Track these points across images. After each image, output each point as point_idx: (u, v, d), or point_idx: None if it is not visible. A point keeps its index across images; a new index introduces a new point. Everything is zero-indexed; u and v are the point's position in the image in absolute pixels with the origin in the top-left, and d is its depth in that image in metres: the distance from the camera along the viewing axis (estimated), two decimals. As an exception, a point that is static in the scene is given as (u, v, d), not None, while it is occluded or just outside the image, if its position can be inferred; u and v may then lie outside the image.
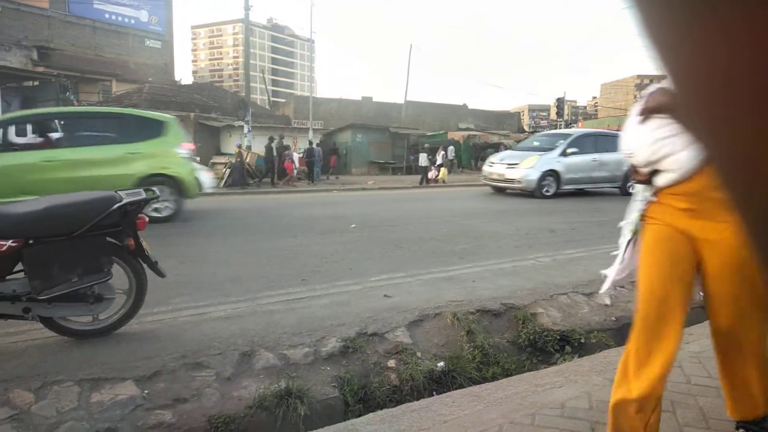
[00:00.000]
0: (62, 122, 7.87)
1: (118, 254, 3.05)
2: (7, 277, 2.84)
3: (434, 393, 2.96)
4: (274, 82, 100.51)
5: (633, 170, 1.93)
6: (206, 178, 8.52)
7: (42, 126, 7.92)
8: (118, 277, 3.09)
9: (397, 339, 3.31)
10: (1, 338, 3.07)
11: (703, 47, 0.28)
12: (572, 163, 12.17)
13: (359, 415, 2.63)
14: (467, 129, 32.95)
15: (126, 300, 3.16)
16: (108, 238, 2.99)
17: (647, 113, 1.78)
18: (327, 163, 23.10)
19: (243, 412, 2.57)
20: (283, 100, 45.82)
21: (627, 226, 2.04)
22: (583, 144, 12.66)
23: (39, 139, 7.73)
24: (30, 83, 24.20)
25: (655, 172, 1.83)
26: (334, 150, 24.93)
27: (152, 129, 7.86)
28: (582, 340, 3.58)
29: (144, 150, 7.65)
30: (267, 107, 38.77)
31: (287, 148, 20.58)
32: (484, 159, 21.18)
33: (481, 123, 36.26)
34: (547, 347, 3.52)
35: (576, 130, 14.59)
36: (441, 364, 3.15)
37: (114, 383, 2.59)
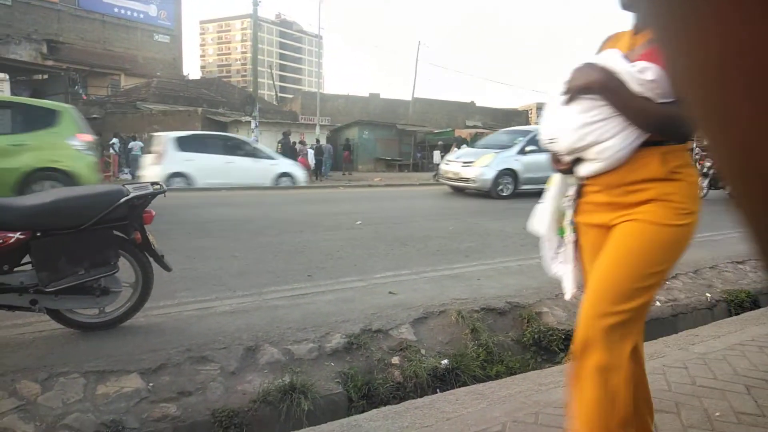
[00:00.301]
0: None
1: (125, 248, 3.07)
2: (15, 269, 2.87)
3: (438, 390, 2.96)
4: (282, 78, 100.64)
5: (553, 159, 1.70)
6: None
7: None
8: (125, 270, 3.11)
9: (402, 336, 3.31)
10: (9, 329, 3.10)
11: (697, 33, 0.28)
12: (531, 162, 11.38)
13: (362, 411, 2.63)
14: (475, 126, 32.87)
15: (132, 293, 3.18)
16: (115, 232, 3.01)
17: (573, 93, 1.53)
18: (338, 159, 23.19)
19: (247, 407, 2.58)
20: (291, 96, 45.87)
21: (560, 222, 1.85)
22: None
23: None
24: (39, 76, 24.36)
25: (578, 160, 1.60)
26: (347, 146, 24.93)
27: (43, 119, 7.10)
28: (587, 340, 3.57)
29: (31, 141, 6.88)
30: (274, 103, 38.83)
31: (303, 143, 20.82)
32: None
33: (489, 121, 36.17)
34: (551, 346, 3.51)
35: (537, 127, 14.18)
36: (445, 361, 3.15)
37: (119, 376, 2.61)
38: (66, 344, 2.94)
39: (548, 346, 3.52)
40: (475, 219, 8.20)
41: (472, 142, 28.22)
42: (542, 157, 11.65)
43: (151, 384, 2.60)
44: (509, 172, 11.46)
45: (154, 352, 2.83)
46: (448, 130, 30.01)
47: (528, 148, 11.66)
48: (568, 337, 3.57)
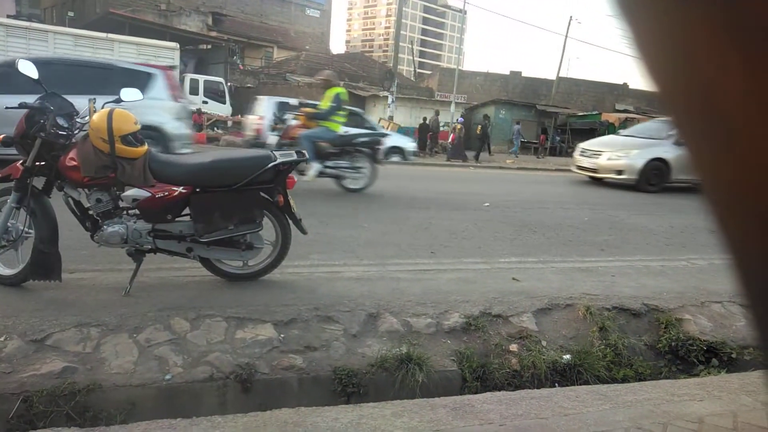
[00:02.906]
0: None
1: (269, 209, 3.33)
2: (176, 219, 3.25)
3: (557, 385, 2.85)
4: (422, 54, 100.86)
5: None
6: None
7: None
8: (267, 229, 3.38)
9: (522, 324, 3.23)
10: (167, 272, 3.54)
11: (682, 56, 0.26)
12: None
13: (476, 392, 2.63)
14: (625, 111, 30.27)
15: (272, 251, 3.45)
16: (261, 193, 3.27)
17: None
18: (470, 139, 22.89)
19: (365, 369, 2.70)
20: (429, 72, 45.90)
21: None
22: None
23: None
24: (204, 47, 26.88)
25: None
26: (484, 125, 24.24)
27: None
28: (733, 355, 3.20)
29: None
30: (412, 79, 39.13)
31: (458, 120, 21.26)
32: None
33: (643, 105, 33.09)
34: (690, 357, 3.20)
35: None
36: (567, 356, 3.02)
37: (256, 324, 2.87)
38: (212, 290, 3.30)
39: (686, 356, 3.21)
40: (615, 211, 7.64)
41: (620, 127, 26.15)
42: None
43: (282, 335, 2.82)
44: (660, 163, 10.41)
45: (287, 307, 3.07)
46: (594, 113, 28.02)
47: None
48: (710, 349, 3.23)
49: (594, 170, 11.00)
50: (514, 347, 3.06)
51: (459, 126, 19.35)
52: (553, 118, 26.85)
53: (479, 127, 20.68)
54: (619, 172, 10.50)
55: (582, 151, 11.73)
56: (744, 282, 0.31)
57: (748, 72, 0.23)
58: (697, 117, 0.27)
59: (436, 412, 2.20)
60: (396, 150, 13.51)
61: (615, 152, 10.79)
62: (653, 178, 10.38)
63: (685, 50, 0.26)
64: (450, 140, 19.40)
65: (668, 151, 10.33)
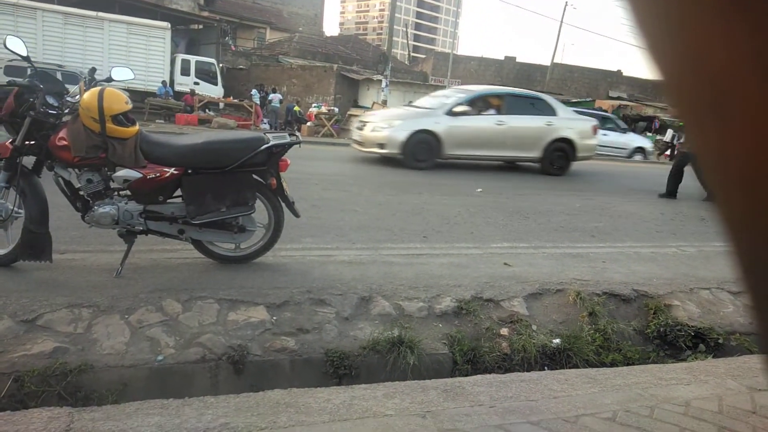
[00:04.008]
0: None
1: (262, 191, 3.31)
2: (168, 201, 3.23)
3: (546, 368, 2.89)
4: (416, 37, 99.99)
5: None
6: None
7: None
8: (260, 212, 3.37)
9: (513, 309, 3.26)
10: (159, 253, 3.53)
11: (685, 46, 0.26)
12: (461, 126, 8.96)
13: (467, 375, 2.66)
14: (618, 98, 30.29)
15: (264, 234, 3.45)
16: (254, 176, 3.26)
17: None
18: None
19: (357, 351, 2.72)
20: (423, 56, 45.54)
21: None
22: (488, 104, 9.57)
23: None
24: (195, 27, 26.47)
25: None
26: None
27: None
28: (720, 341, 3.26)
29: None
30: (406, 62, 38.85)
31: None
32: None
33: (636, 93, 33.11)
34: (677, 342, 3.25)
35: (484, 88, 10.80)
36: (557, 340, 3.05)
37: (248, 306, 2.87)
38: (205, 272, 3.29)
39: (674, 342, 3.26)
40: (606, 198, 7.68)
41: (614, 113, 26.19)
42: (479, 122, 9.23)
43: (274, 318, 2.83)
44: (427, 135, 8.86)
45: (279, 290, 3.07)
46: (587, 100, 28.00)
47: (459, 109, 9.12)
48: (698, 335, 3.28)
49: (360, 143, 9.51)
50: (504, 331, 3.09)
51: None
52: (547, 105, 26.81)
53: None
54: (381, 146, 9.01)
55: (358, 124, 10.20)
56: (747, 268, 0.31)
57: (759, 56, 0.23)
58: (706, 106, 0.27)
59: (427, 393, 2.22)
60: (639, 150, 15.38)
61: (378, 123, 9.29)
62: (420, 153, 8.87)
63: (694, 35, 0.25)
64: None
65: (439, 123, 8.91)
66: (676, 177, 8.31)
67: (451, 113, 9.11)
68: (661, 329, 3.29)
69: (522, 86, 28.83)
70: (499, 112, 9.51)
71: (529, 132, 9.58)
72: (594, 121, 10.58)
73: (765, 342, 0.32)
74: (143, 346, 2.51)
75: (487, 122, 9.34)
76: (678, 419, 2.13)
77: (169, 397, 2.07)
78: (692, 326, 3.31)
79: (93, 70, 3.34)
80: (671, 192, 8.30)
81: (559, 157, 9.79)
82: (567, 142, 9.72)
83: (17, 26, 13.34)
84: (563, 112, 10.20)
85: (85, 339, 2.48)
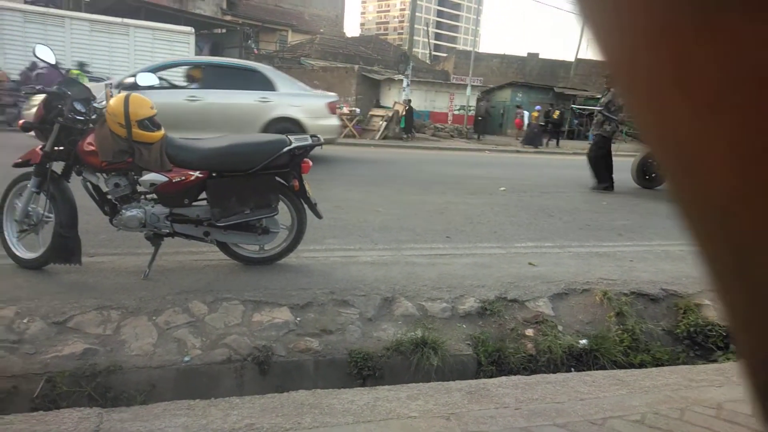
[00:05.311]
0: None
1: (284, 193, 3.34)
2: (193, 204, 3.28)
3: (572, 370, 2.84)
4: (437, 36, 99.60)
5: None
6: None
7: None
8: (283, 214, 3.39)
9: (539, 309, 3.21)
10: (185, 255, 3.58)
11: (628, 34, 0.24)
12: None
13: (491, 376, 2.63)
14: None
15: (288, 235, 3.47)
16: (277, 178, 3.28)
17: None
18: (494, 123, 23.14)
19: (380, 352, 2.72)
20: (444, 55, 45.34)
21: None
22: (190, 77, 8.44)
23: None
24: (218, 31, 26.83)
25: None
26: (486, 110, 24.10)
27: None
28: (755, 343, 3.16)
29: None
30: (427, 61, 38.75)
31: (519, 106, 21.65)
32: None
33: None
34: (708, 342, 3.16)
35: (178, 58, 9.33)
36: (584, 341, 3.00)
37: (272, 307, 2.90)
38: (230, 274, 3.33)
39: (704, 342, 3.18)
40: (634, 195, 7.53)
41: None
42: (163, 97, 7.03)
43: (298, 318, 2.85)
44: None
45: (303, 291, 3.09)
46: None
47: (144, 81, 6.79)
48: (729, 335, 3.19)
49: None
50: (529, 332, 3.05)
51: (536, 114, 19.77)
52: (571, 101, 26.40)
53: (556, 112, 20.91)
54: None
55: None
56: (712, 266, 0.29)
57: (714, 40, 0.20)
58: (663, 92, 0.24)
59: (451, 395, 2.20)
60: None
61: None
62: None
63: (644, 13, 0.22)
64: (526, 125, 20.35)
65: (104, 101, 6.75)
66: (607, 165, 7.96)
67: (120, 86, 7.28)
68: (691, 329, 3.21)
69: (546, 82, 28.45)
70: (200, 86, 7.99)
71: (235, 110, 7.88)
72: (331, 98, 8.72)
73: (739, 346, 0.30)
74: (170, 347, 2.55)
75: (175, 98, 7.63)
76: (710, 422, 2.07)
77: (195, 398, 2.10)
78: (723, 326, 3.22)
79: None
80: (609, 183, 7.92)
81: None
82: (293, 122, 8.03)
83: (47, 34, 13.71)
84: (286, 86, 8.41)
85: (113, 340, 2.53)
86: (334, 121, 8.55)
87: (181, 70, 9.17)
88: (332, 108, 8.55)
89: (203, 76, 8.07)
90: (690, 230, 0.28)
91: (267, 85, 8.12)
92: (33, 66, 11.12)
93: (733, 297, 0.28)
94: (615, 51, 0.26)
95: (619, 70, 0.26)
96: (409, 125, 17.70)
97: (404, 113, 17.57)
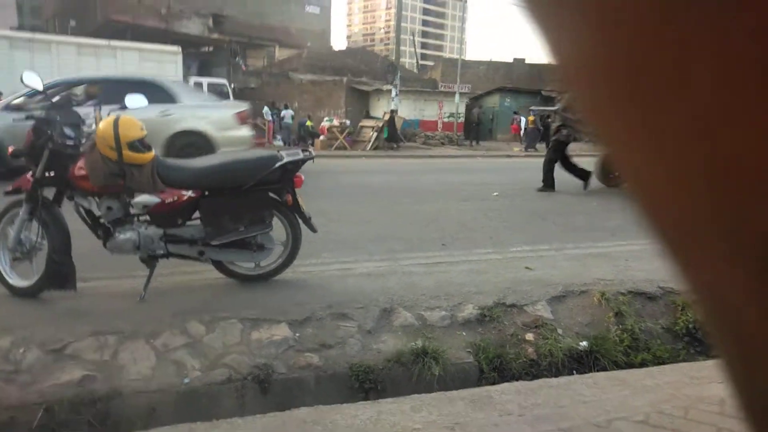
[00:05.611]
0: None
1: (278, 209, 3.33)
2: (187, 223, 3.27)
3: (574, 372, 2.84)
4: (423, 45, 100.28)
5: None
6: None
7: None
8: (277, 229, 3.38)
9: (537, 313, 3.21)
10: (181, 275, 3.56)
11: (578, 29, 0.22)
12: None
13: (493, 383, 2.62)
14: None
15: (283, 250, 3.46)
16: (270, 194, 3.28)
17: None
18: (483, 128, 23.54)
19: (381, 364, 2.70)
20: (431, 63, 45.64)
21: None
22: (88, 95, 8.06)
23: None
24: (206, 49, 26.90)
25: None
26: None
27: None
28: (754, 336, 3.17)
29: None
30: (415, 71, 38.99)
31: (516, 112, 22.10)
32: None
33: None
34: (708, 338, 3.17)
35: (77, 77, 8.79)
36: (584, 343, 3.00)
37: (271, 324, 2.88)
38: (226, 292, 3.31)
39: (704, 338, 3.18)
40: (624, 196, 7.57)
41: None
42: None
43: (297, 334, 2.83)
44: None
45: (301, 306, 3.07)
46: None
47: (21, 102, 7.25)
48: (730, 331, 3.19)
49: None
50: (530, 336, 3.05)
51: (532, 117, 20.31)
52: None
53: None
54: None
55: None
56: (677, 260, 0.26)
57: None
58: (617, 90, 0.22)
59: (454, 405, 2.19)
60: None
61: None
62: None
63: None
64: (522, 130, 21.14)
65: None
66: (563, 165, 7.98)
67: (11, 108, 7.18)
68: (690, 326, 3.21)
69: (534, 86, 28.66)
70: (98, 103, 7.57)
71: None
72: (239, 108, 8.35)
73: (713, 341, 0.28)
74: (169, 369, 2.52)
75: None
76: (714, 419, 2.07)
77: (197, 420, 2.08)
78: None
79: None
80: (550, 183, 7.93)
81: (190, 154, 6.19)
82: (198, 135, 7.68)
83: (33, 59, 13.70)
84: (189, 98, 8.17)
85: (112, 365, 2.50)
86: (244, 132, 8.08)
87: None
88: (242, 118, 8.12)
89: (101, 93, 7.59)
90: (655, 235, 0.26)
91: (168, 97, 7.72)
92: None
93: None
94: (565, 50, 0.24)
95: (570, 70, 0.24)
96: (392, 134, 17.72)
97: (386, 123, 17.61)
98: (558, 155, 7.99)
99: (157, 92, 7.39)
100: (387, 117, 18.00)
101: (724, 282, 0.23)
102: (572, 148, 8.20)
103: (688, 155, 0.20)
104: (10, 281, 3.15)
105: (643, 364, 2.91)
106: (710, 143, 0.19)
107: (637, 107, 0.21)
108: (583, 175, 8.03)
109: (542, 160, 8.38)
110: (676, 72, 0.19)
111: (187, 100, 7.95)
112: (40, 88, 3.10)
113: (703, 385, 2.39)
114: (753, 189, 0.19)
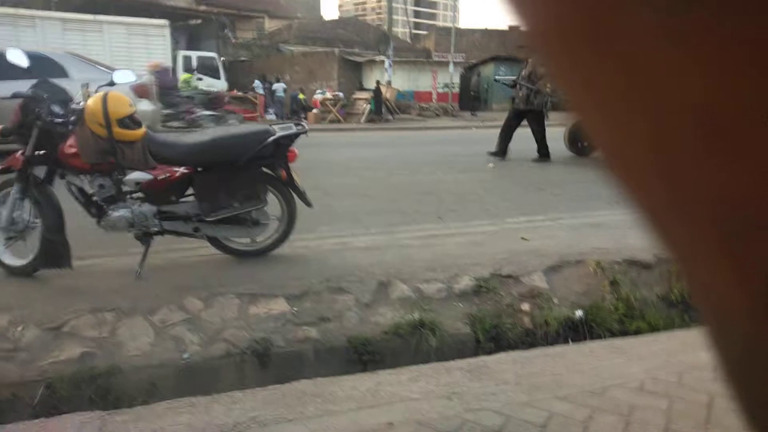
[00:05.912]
0: None
1: (272, 184, 3.31)
2: (181, 200, 3.24)
3: (570, 341, 2.87)
4: (416, 14, 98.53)
5: None
6: None
7: None
8: (272, 204, 3.37)
9: (533, 283, 3.23)
10: (177, 252, 3.55)
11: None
12: None
13: (490, 353, 2.65)
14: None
15: (279, 225, 3.45)
16: (263, 169, 3.25)
17: None
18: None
19: (379, 336, 2.73)
20: (425, 33, 44.94)
21: None
22: None
23: None
24: (194, 22, 26.31)
25: None
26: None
27: None
28: (747, 302, 3.21)
29: None
30: (408, 41, 38.39)
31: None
32: None
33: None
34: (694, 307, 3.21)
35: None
36: (579, 312, 3.03)
37: (268, 299, 2.89)
38: (223, 268, 3.31)
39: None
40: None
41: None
42: None
43: (295, 308, 2.84)
44: None
45: (298, 280, 3.08)
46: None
47: None
48: (724, 298, 3.23)
49: None
50: (525, 306, 3.07)
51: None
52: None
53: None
54: None
55: None
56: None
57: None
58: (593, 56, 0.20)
59: (451, 375, 2.22)
60: None
61: None
62: None
63: None
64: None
65: None
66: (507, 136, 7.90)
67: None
68: (685, 293, 3.24)
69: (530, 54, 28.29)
70: None
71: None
72: (136, 80, 7.40)
73: (700, 313, 0.27)
74: (168, 345, 2.54)
75: None
76: (707, 386, 2.10)
77: (197, 395, 2.09)
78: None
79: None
80: (503, 151, 7.91)
81: None
82: None
83: (18, 36, 13.38)
84: (82, 71, 7.42)
85: (111, 342, 2.52)
86: (144, 107, 7.52)
87: None
88: (141, 91, 7.60)
89: None
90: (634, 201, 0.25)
91: (58, 71, 7.06)
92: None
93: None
94: (535, 14, 0.22)
95: (540, 34, 0.23)
96: (379, 106, 17.46)
97: (372, 95, 17.32)
98: (542, 125, 7.90)
99: (46, 66, 6.86)
100: (380, 89, 17.79)
101: (700, 249, 0.22)
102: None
103: (666, 121, 0.19)
104: (5, 260, 3.13)
105: (637, 332, 2.94)
106: (690, 106, 0.18)
107: (615, 72, 0.20)
108: (502, 150, 7.93)
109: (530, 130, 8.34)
110: (657, 36, 0.18)
111: (78, 73, 7.22)
112: (26, 65, 3.04)
113: (697, 351, 2.42)
114: (733, 153, 0.18)
